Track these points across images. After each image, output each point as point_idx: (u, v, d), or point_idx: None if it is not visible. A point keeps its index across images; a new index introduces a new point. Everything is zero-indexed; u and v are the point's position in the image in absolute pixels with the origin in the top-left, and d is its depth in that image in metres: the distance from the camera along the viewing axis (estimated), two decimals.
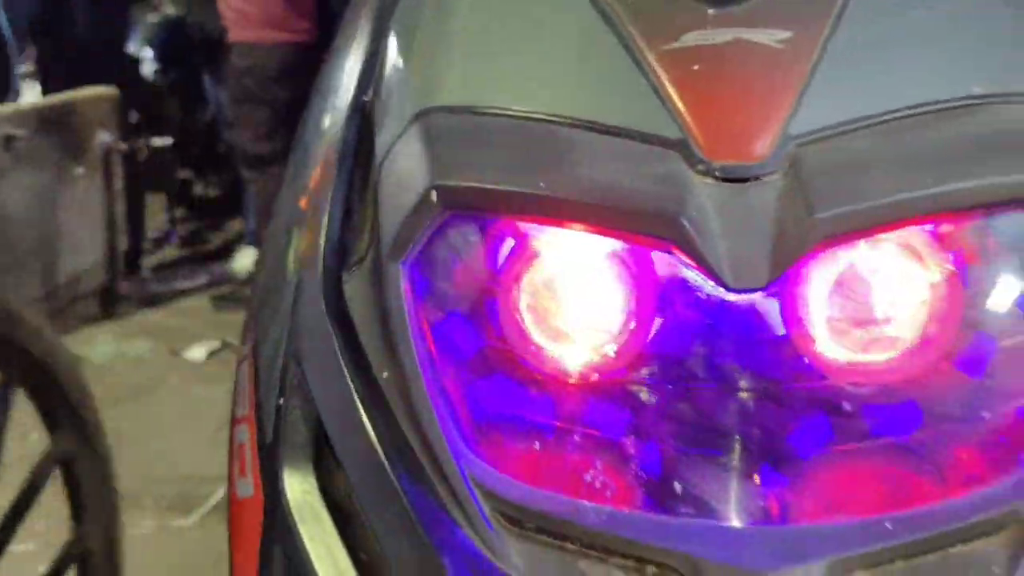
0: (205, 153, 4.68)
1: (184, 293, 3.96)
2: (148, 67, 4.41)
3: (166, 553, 2.17)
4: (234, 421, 0.62)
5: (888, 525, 0.45)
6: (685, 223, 0.45)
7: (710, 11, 0.51)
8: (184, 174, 4.62)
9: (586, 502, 0.47)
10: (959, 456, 0.48)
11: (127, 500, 2.29)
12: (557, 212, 0.47)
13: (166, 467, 2.49)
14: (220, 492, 2.33)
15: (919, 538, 0.45)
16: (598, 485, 0.48)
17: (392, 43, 0.59)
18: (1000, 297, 0.49)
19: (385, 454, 0.49)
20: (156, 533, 2.24)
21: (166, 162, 4.18)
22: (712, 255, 0.45)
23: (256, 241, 3.78)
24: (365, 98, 0.59)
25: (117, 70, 3.88)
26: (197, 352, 3.29)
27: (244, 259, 3.84)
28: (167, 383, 3.05)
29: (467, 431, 0.49)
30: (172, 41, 4.45)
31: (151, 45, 4.42)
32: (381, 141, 0.53)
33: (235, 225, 4.69)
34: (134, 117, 4.01)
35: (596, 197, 0.47)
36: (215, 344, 3.34)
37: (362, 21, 0.69)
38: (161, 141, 4.01)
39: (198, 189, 4.85)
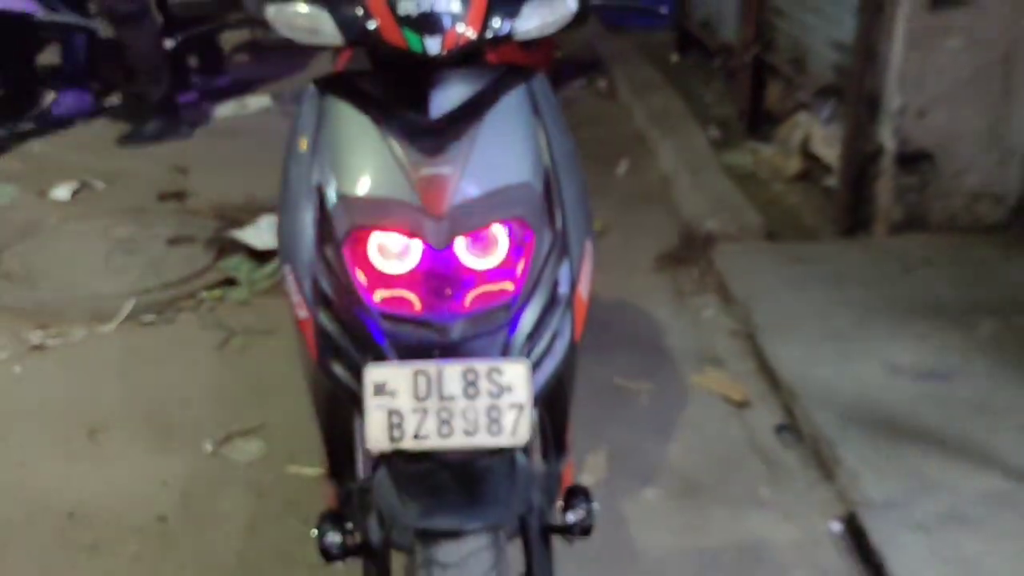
0: None
1: (21, 137, 4.22)
2: None
3: (100, 352, 2.66)
4: (289, 294, 1.28)
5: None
6: (423, 228, 1.19)
7: (428, 159, 1.21)
8: None
9: (401, 310, 1.21)
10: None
11: (59, 316, 2.75)
12: (382, 225, 1.22)
13: (78, 289, 2.94)
14: (128, 306, 2.81)
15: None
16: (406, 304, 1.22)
17: (321, 146, 1.29)
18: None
19: (349, 303, 1.21)
20: (88, 339, 2.73)
21: None
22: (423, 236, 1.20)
23: (140, 95, 4.16)
24: (318, 179, 1.26)
25: None
26: (62, 192, 3.67)
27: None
28: (47, 223, 3.42)
29: (366, 291, 1.21)
30: None
31: None
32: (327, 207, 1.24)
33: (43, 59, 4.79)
34: None
35: (395, 223, 1.20)
36: (74, 184, 3.72)
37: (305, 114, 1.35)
38: None
39: None
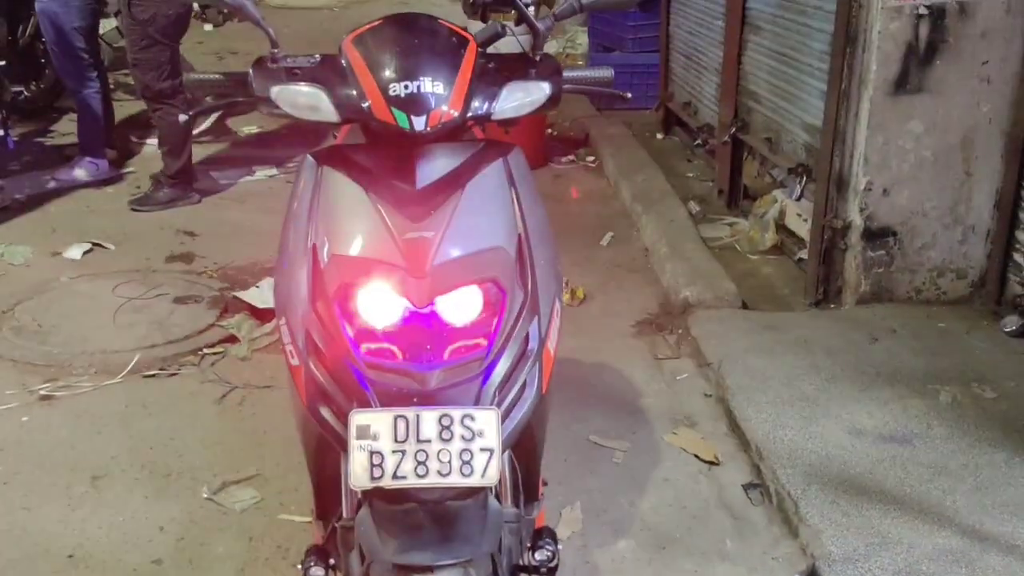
0: (29, 68, 5.35)
1: (41, 198, 4.45)
2: None
3: (105, 403, 2.79)
4: (283, 344, 1.40)
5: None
6: (406, 287, 1.32)
7: (412, 224, 1.34)
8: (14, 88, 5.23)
9: (384, 360, 1.31)
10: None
11: (66, 368, 2.88)
12: (369, 283, 1.34)
13: (86, 344, 3.07)
14: (133, 360, 2.94)
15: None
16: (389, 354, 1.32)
17: (317, 210, 1.42)
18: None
19: (338, 353, 1.31)
20: (94, 391, 2.86)
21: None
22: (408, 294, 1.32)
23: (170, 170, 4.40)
24: (313, 240, 1.38)
25: None
26: (74, 252, 3.83)
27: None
28: (59, 281, 3.57)
29: (353, 342, 1.32)
30: None
31: None
32: (320, 266, 1.36)
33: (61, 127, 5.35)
34: None
35: (382, 281, 1.32)
36: (86, 246, 3.89)
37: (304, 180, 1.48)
38: None
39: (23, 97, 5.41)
